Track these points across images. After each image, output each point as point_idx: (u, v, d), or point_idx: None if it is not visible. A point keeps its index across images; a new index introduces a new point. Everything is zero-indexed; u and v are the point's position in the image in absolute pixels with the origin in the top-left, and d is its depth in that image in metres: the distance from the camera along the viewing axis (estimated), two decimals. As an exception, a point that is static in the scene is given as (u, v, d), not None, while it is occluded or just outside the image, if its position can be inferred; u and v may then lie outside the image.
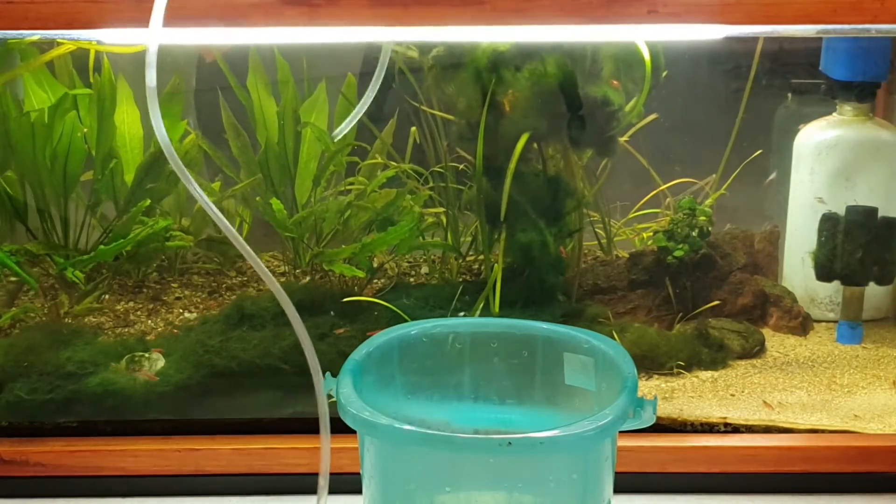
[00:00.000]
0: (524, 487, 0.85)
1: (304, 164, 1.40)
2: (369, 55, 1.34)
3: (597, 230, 1.48)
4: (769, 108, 1.52)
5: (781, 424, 1.17)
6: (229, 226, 0.89)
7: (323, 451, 0.91)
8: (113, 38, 1.13)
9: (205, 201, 0.87)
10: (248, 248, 0.89)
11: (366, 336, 1.01)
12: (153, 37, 0.85)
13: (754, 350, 1.35)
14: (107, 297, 1.36)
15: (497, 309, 1.27)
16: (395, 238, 1.32)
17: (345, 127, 1.15)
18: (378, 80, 1.02)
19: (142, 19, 0.93)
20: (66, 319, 1.32)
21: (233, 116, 1.39)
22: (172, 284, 1.41)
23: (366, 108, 1.06)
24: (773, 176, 1.45)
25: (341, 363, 0.92)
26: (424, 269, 1.45)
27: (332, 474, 1.13)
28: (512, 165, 1.26)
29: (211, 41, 1.30)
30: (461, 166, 1.40)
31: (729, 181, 1.46)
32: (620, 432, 0.87)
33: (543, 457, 0.83)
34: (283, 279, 1.42)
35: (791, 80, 1.51)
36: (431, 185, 1.42)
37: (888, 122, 1.43)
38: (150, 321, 1.33)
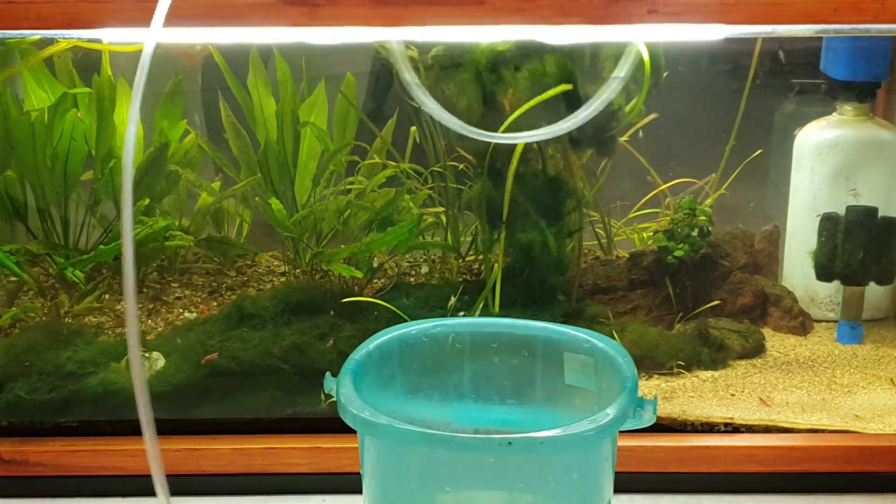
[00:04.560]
0: (524, 487, 0.84)
1: (303, 163, 1.40)
2: (368, 54, 1.34)
3: (597, 230, 1.48)
4: (769, 108, 1.52)
5: (781, 424, 1.17)
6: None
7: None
8: (113, 38, 1.13)
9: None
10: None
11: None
12: (152, 36, 0.85)
13: (755, 349, 1.34)
14: (107, 296, 1.36)
15: (497, 309, 1.27)
16: (395, 239, 1.32)
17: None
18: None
19: (142, 19, 0.93)
20: (66, 319, 1.31)
21: (233, 116, 1.39)
22: (172, 284, 1.41)
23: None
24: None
25: (341, 363, 0.92)
26: (424, 269, 1.45)
27: (332, 474, 1.14)
28: (513, 166, 1.26)
29: (211, 41, 1.31)
30: (461, 166, 1.40)
31: (729, 181, 1.46)
32: (620, 432, 0.87)
33: (543, 457, 0.83)
34: (283, 279, 1.42)
35: (791, 80, 1.51)
36: (431, 184, 1.42)
37: (888, 122, 1.43)
38: (150, 321, 1.33)
